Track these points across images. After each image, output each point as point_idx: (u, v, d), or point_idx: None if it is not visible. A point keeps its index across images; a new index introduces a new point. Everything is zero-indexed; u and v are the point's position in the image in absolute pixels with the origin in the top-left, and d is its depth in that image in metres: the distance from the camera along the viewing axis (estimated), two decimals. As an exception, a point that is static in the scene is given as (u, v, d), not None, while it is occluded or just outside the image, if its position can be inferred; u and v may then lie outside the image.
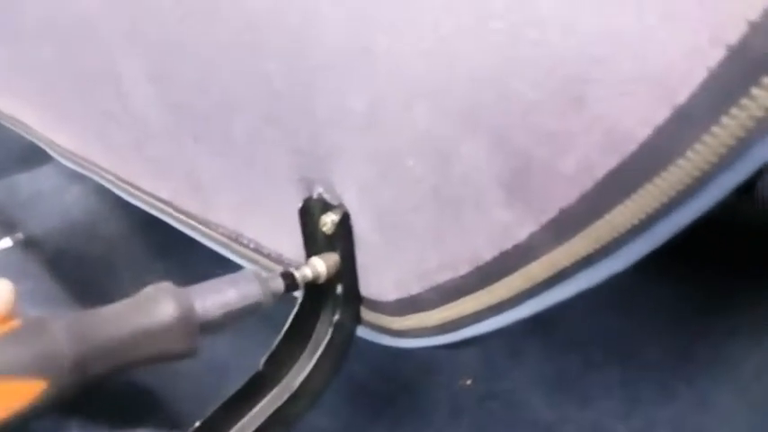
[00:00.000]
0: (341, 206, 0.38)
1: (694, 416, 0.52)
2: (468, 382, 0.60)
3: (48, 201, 0.79)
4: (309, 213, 0.40)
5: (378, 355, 0.63)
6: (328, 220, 0.38)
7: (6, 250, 0.57)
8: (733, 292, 0.58)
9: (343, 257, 0.39)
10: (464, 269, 0.31)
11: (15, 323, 0.28)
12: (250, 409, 0.40)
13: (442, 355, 0.62)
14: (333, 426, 0.59)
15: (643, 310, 0.61)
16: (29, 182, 0.82)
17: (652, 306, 0.61)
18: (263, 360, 0.41)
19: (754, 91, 0.17)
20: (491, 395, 0.59)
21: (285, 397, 0.40)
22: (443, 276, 0.33)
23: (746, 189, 0.49)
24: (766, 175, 0.45)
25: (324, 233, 0.39)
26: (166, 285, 0.32)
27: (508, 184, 0.25)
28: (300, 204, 0.40)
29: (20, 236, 0.66)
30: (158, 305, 0.31)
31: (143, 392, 0.54)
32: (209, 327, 0.33)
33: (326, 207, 0.38)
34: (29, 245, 0.64)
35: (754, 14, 0.16)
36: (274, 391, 0.41)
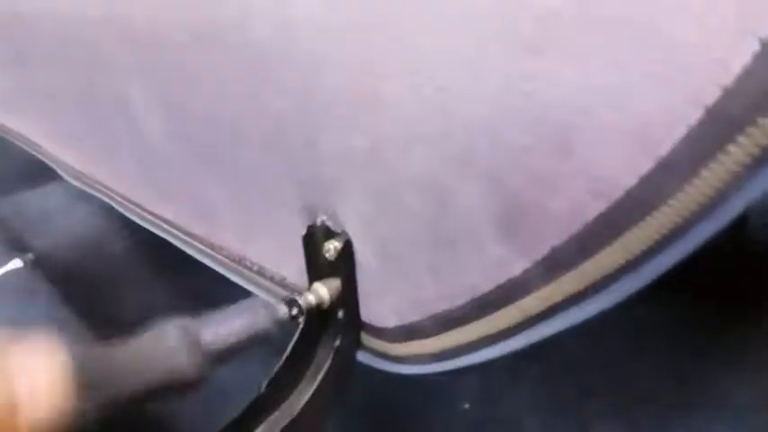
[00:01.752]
0: (343, 233, 0.39)
1: (690, 444, 0.52)
2: (467, 406, 0.61)
3: (54, 219, 0.80)
4: (313, 240, 0.41)
5: (376, 380, 0.64)
6: (331, 247, 0.39)
7: (16, 271, 0.58)
8: (729, 322, 0.59)
9: (344, 283, 0.40)
10: (461, 300, 0.32)
11: None
12: (252, 429, 0.41)
13: (441, 380, 0.63)
14: (331, 447, 0.59)
15: (639, 337, 0.62)
16: (36, 200, 0.84)
17: (648, 332, 0.62)
18: (264, 383, 0.41)
19: (731, 148, 0.18)
20: (489, 419, 0.59)
21: (286, 421, 0.40)
22: (441, 306, 0.34)
23: (738, 221, 0.50)
24: (756, 206, 0.46)
25: (327, 259, 0.40)
26: (179, 322, 0.33)
27: (502, 222, 0.26)
28: (304, 231, 0.41)
29: (30, 257, 0.67)
30: (169, 345, 0.32)
31: (148, 416, 0.54)
32: (218, 357, 0.34)
33: (329, 234, 0.40)
34: (36, 263, 0.65)
35: (728, 80, 0.17)
36: (275, 413, 0.41)
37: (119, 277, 0.73)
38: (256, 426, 0.41)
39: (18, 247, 0.67)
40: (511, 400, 0.60)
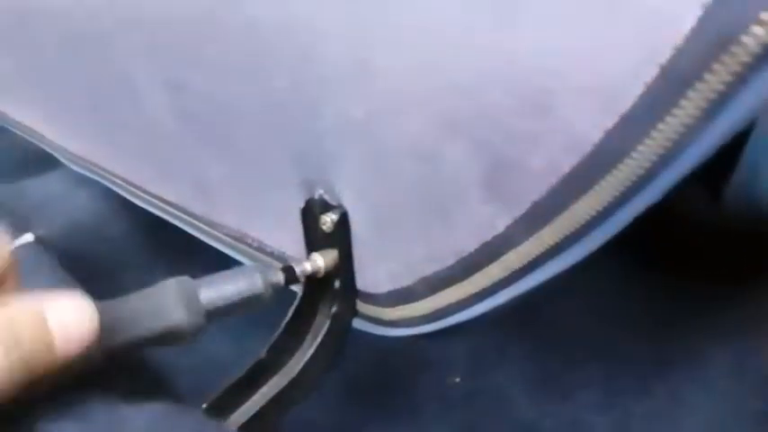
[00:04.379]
0: (340, 206, 0.41)
1: (668, 409, 0.55)
2: (457, 379, 0.63)
3: (56, 204, 0.82)
4: (310, 213, 0.43)
5: (371, 354, 0.67)
6: (328, 219, 0.42)
7: (26, 245, 0.60)
8: (707, 294, 0.62)
9: (341, 253, 0.43)
10: (450, 261, 0.34)
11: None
12: (253, 393, 0.43)
13: (433, 354, 0.66)
14: (326, 421, 0.61)
15: (624, 312, 0.65)
16: (38, 186, 0.85)
17: (632, 308, 0.65)
18: (265, 348, 0.44)
19: (683, 102, 0.21)
20: (478, 392, 0.62)
21: (285, 382, 0.43)
22: (431, 268, 0.36)
23: (715, 195, 0.53)
24: (732, 181, 0.49)
25: (324, 231, 0.42)
26: (181, 279, 0.36)
27: (487, 181, 0.29)
28: (302, 205, 0.44)
29: (40, 230, 0.69)
30: (168, 298, 0.34)
31: (146, 387, 0.56)
32: (212, 316, 0.36)
33: (326, 207, 0.42)
34: (42, 244, 0.67)
35: (680, 41, 0.20)
36: (275, 377, 0.44)
37: (118, 259, 0.75)
38: (257, 387, 0.43)
39: (23, 230, 0.69)
40: (499, 373, 0.63)
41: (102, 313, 0.32)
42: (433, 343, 0.65)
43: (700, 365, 0.57)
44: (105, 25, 0.47)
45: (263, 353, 0.44)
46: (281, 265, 0.41)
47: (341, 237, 0.42)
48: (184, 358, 0.65)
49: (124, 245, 0.78)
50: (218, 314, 0.36)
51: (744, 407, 0.54)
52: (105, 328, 0.31)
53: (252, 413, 0.42)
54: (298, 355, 0.44)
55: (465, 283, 0.34)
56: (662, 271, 0.64)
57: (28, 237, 0.61)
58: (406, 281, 0.39)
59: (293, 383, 0.43)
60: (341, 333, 0.45)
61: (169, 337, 0.34)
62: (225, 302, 0.36)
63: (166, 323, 0.33)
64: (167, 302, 0.33)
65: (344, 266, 0.43)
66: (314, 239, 0.44)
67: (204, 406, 0.41)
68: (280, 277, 0.40)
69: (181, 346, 0.37)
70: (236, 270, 0.38)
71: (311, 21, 0.31)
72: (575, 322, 0.65)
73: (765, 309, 0.57)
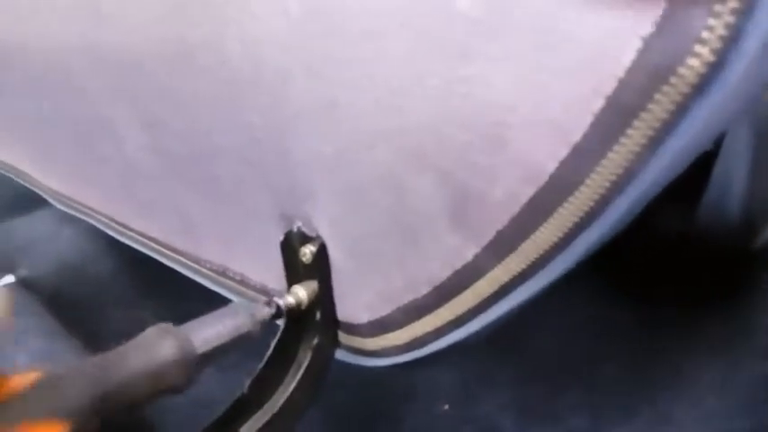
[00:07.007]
0: (318, 237, 0.42)
1: (655, 430, 0.55)
2: (446, 407, 0.63)
3: (42, 244, 0.82)
4: (290, 246, 0.44)
5: (360, 384, 0.67)
6: (307, 251, 0.42)
7: (9, 286, 0.60)
8: (690, 312, 0.62)
9: (321, 285, 0.43)
10: (424, 290, 0.35)
11: (37, 374, 0.31)
12: (235, 429, 0.43)
13: (420, 383, 0.65)
14: (314, 452, 0.61)
15: (606, 335, 0.65)
16: (24, 226, 0.86)
17: (614, 330, 0.65)
18: (247, 383, 0.44)
19: (629, 131, 0.22)
20: (466, 419, 0.62)
21: (268, 417, 0.43)
22: (407, 297, 0.36)
23: (692, 213, 0.54)
24: (704, 198, 0.49)
25: (303, 263, 0.43)
26: (165, 326, 0.36)
27: (453, 212, 0.29)
28: (282, 238, 0.44)
29: (23, 271, 0.69)
30: (160, 345, 0.34)
31: (133, 427, 0.56)
32: (206, 359, 0.36)
33: (305, 239, 0.42)
34: (26, 285, 0.67)
35: (621, 73, 0.21)
36: (258, 412, 0.44)
37: (104, 298, 0.75)
38: (241, 423, 0.43)
39: (8, 271, 0.69)
40: (487, 400, 0.63)
41: (96, 373, 0.32)
42: (420, 372, 0.65)
43: (686, 384, 0.57)
44: (76, 69, 0.47)
45: (245, 388, 0.44)
46: (264, 300, 0.41)
47: (320, 268, 0.42)
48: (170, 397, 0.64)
49: (110, 284, 0.78)
50: (209, 359, 0.36)
51: (731, 425, 0.54)
52: (96, 375, 0.31)
53: (234, 449, 0.41)
54: (280, 389, 0.44)
55: (441, 310, 0.35)
56: (643, 291, 0.65)
57: (9, 278, 0.61)
58: (384, 310, 0.39)
59: (276, 418, 0.43)
60: (323, 365, 0.45)
61: (164, 381, 0.33)
62: (217, 343, 0.36)
63: (161, 383, 0.33)
64: (161, 361, 0.33)
65: (325, 298, 0.43)
66: (294, 272, 0.44)
67: (187, 444, 0.41)
68: (265, 312, 0.40)
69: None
70: (223, 310, 0.38)
71: (278, 63, 0.32)
72: (559, 348, 0.65)
73: (748, 323, 0.57)
